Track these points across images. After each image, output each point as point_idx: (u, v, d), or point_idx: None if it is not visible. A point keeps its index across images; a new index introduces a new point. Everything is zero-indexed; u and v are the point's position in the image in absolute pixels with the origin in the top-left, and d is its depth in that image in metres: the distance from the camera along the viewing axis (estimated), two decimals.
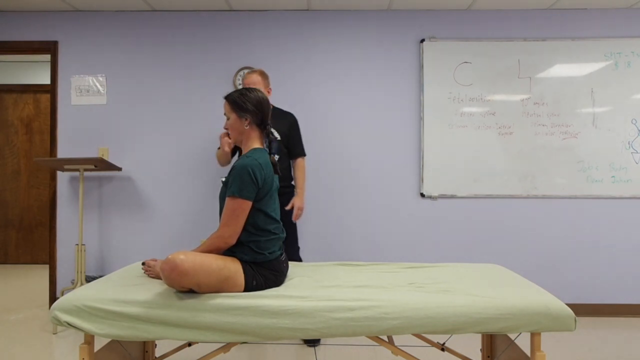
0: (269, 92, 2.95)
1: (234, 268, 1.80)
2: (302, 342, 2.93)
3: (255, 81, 2.84)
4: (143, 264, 2.08)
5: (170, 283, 1.71)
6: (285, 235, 2.02)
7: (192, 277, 1.69)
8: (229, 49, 3.57)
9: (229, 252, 1.89)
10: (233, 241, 1.84)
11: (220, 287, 1.77)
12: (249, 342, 1.81)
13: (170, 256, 1.70)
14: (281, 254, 1.97)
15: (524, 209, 3.52)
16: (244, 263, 1.85)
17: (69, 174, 3.59)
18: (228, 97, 2.01)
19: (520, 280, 2.00)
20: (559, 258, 3.52)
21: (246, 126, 1.98)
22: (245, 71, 3.45)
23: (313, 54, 3.56)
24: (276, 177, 2.01)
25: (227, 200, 1.84)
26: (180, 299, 1.72)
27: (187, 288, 1.75)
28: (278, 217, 1.98)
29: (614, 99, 3.48)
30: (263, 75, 2.88)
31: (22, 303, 3.74)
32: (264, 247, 1.89)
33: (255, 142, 2.00)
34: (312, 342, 2.87)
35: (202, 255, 1.75)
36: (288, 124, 2.95)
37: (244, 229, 1.87)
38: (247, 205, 1.84)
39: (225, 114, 2.04)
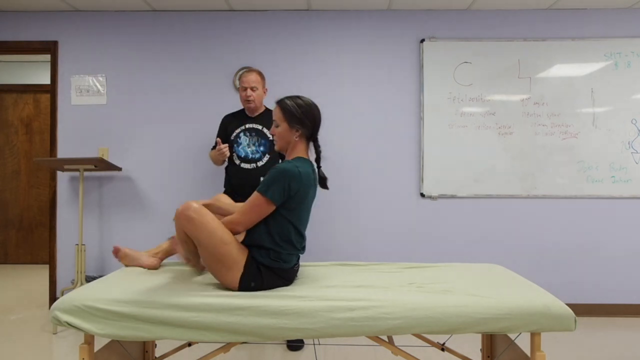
0: (265, 92, 2.94)
1: (236, 255, 1.80)
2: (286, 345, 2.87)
3: (255, 80, 2.83)
4: (118, 252, 2.14)
5: (177, 224, 1.81)
6: (304, 252, 1.98)
7: (197, 227, 1.76)
8: (229, 49, 3.57)
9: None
10: (239, 230, 1.85)
11: (215, 260, 1.79)
12: (249, 342, 1.81)
13: (189, 201, 1.80)
14: (295, 264, 1.95)
15: (524, 209, 3.52)
16: (253, 260, 1.83)
17: (69, 174, 3.59)
18: (281, 103, 1.91)
19: (520, 280, 2.00)
20: (559, 258, 3.52)
21: (295, 138, 1.91)
22: (244, 70, 3.45)
23: (313, 54, 3.56)
24: (313, 188, 1.92)
25: (253, 193, 1.83)
26: (180, 298, 1.72)
27: (190, 241, 1.84)
28: (305, 232, 1.94)
29: (614, 99, 3.48)
30: (261, 75, 2.89)
31: (22, 303, 3.74)
32: (284, 259, 1.87)
33: (301, 154, 1.94)
34: (295, 347, 2.80)
35: (215, 219, 1.80)
36: None
37: (270, 234, 1.84)
38: (268, 206, 1.81)
39: (273, 119, 1.94)
